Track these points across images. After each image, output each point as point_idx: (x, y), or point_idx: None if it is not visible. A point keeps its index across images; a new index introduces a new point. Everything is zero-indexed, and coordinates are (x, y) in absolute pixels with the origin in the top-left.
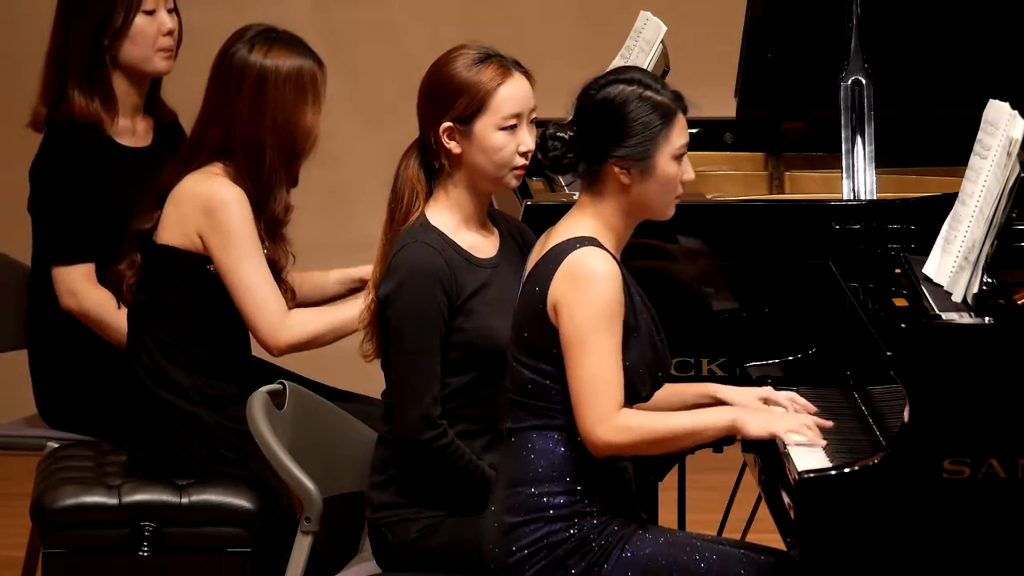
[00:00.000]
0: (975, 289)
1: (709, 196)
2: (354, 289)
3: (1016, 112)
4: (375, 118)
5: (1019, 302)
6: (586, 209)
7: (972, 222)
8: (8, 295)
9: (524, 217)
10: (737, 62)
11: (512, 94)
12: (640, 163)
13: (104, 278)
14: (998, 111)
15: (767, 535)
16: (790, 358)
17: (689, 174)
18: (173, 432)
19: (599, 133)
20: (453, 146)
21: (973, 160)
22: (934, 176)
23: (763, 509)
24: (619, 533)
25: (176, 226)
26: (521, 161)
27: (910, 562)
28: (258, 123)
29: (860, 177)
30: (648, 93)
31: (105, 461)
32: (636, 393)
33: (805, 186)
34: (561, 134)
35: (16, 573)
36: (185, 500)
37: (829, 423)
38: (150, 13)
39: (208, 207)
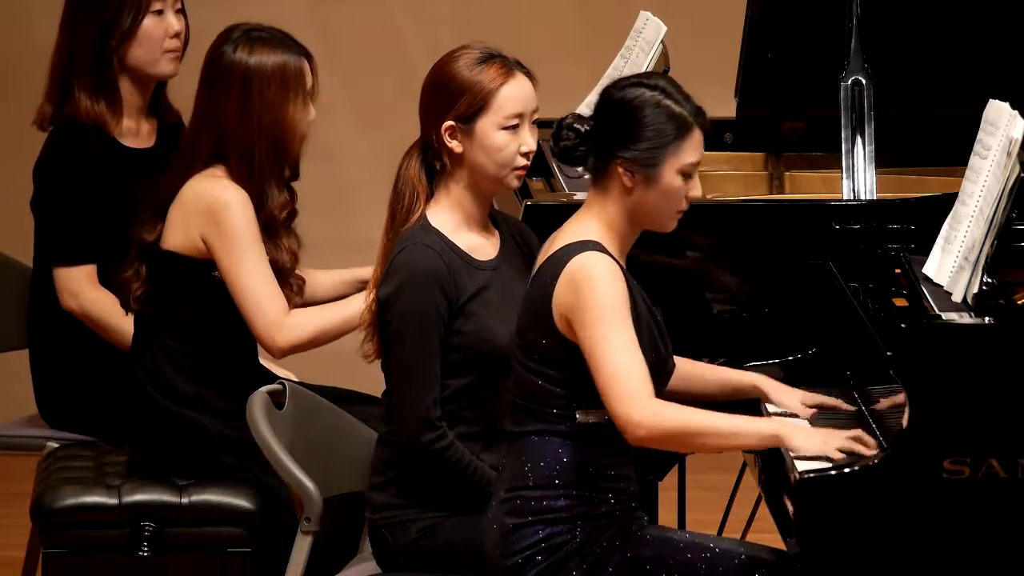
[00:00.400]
0: (975, 289)
1: (709, 196)
2: (362, 289)
3: (1016, 112)
4: (372, 117)
5: (1019, 302)
6: (592, 208)
7: (972, 222)
8: (8, 295)
9: (524, 217)
10: (737, 62)
11: (514, 94)
12: (645, 169)
13: (108, 281)
14: (998, 111)
15: (767, 535)
16: (790, 358)
17: (696, 191)
18: (175, 439)
19: (611, 131)
20: (455, 145)
21: (973, 160)
22: (934, 176)
23: (763, 509)
24: (620, 535)
25: (180, 230)
26: (522, 161)
27: (910, 562)
28: (247, 126)
29: (860, 177)
30: (668, 102)
31: (105, 461)
32: None
33: (805, 186)
34: (578, 126)
35: (16, 573)
36: (185, 500)
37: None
38: (158, 13)
39: (211, 210)
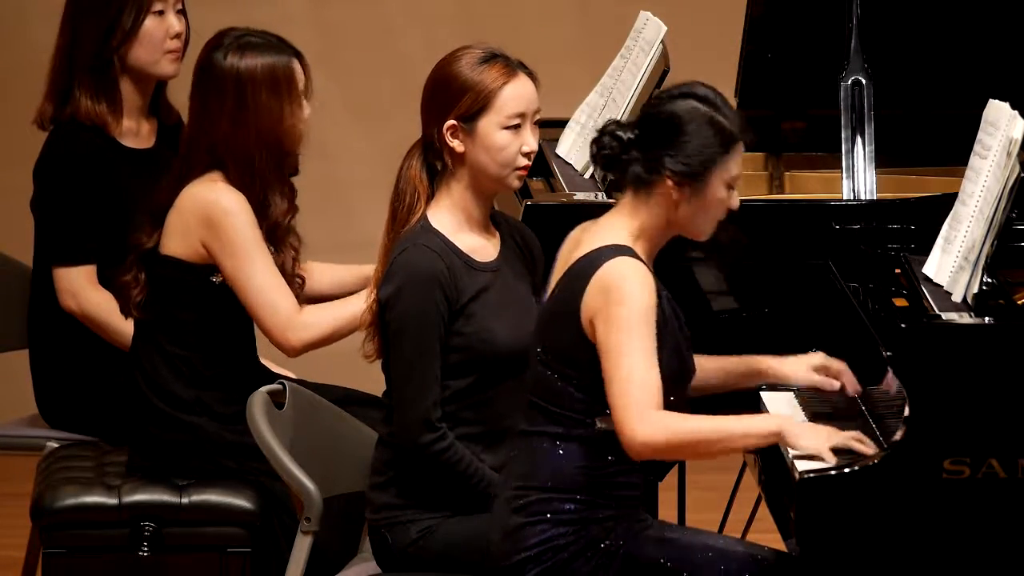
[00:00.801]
0: (975, 289)
1: None
2: None
3: (1016, 112)
4: (371, 117)
5: (1019, 302)
6: (625, 214)
7: (972, 222)
8: (8, 295)
9: (524, 217)
10: (737, 62)
11: (517, 94)
12: (694, 182)
13: (108, 282)
14: (998, 111)
15: (767, 535)
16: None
17: (735, 202)
18: (174, 443)
19: (660, 143)
20: (456, 145)
21: (973, 160)
22: (934, 176)
23: (763, 509)
24: (624, 535)
25: (180, 236)
26: (524, 161)
27: (910, 562)
28: (242, 135)
29: (860, 177)
30: (719, 117)
31: (105, 461)
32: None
33: (805, 186)
34: (621, 133)
35: (16, 573)
36: (185, 500)
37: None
38: (159, 14)
39: (210, 216)
